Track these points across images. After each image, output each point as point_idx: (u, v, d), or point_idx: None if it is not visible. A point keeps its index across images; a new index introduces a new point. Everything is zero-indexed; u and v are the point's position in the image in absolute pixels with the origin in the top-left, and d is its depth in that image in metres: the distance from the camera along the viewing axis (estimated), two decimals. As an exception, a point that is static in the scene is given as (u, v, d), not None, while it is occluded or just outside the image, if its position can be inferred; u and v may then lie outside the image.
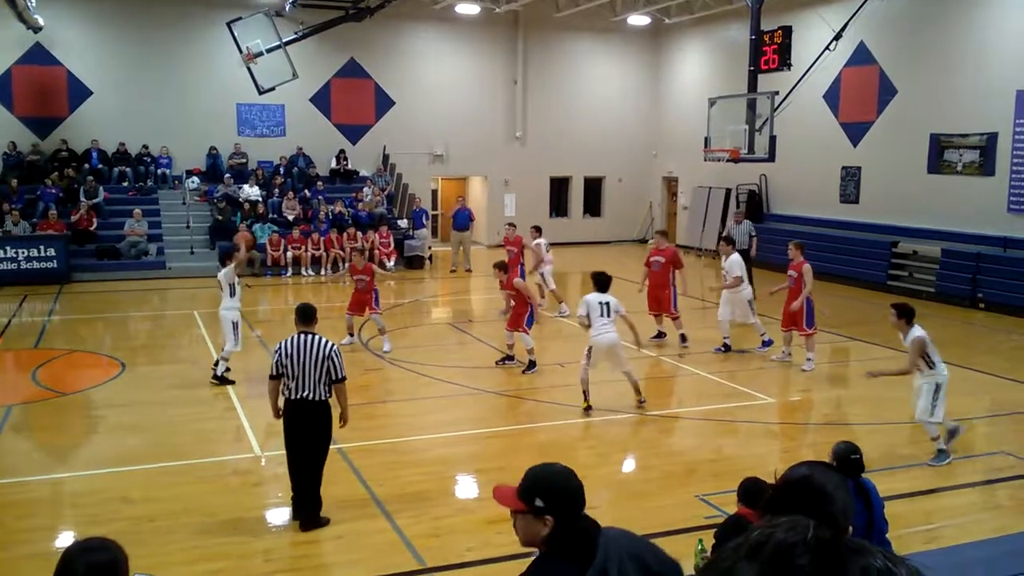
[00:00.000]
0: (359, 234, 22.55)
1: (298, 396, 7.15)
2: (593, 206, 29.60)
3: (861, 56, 21.19)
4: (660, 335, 14.39)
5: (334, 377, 7.19)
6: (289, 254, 21.75)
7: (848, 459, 5.28)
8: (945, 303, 17.96)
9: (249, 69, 21.51)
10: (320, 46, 24.04)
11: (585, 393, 10.43)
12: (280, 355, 7.20)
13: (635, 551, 2.81)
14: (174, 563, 6.61)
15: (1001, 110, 17.87)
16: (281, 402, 7.34)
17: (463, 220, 23.09)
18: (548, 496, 2.74)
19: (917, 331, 8.70)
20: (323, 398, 7.19)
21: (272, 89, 21.76)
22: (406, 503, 7.77)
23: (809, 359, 12.41)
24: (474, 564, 6.69)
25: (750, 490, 5.02)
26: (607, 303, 10.36)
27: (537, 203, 28.16)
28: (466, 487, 8.61)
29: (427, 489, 8.17)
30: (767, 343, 13.59)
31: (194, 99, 23.97)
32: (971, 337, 15.72)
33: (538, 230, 17.38)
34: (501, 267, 13.31)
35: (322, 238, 22.10)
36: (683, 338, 13.98)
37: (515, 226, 17.60)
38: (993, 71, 18.13)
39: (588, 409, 10.37)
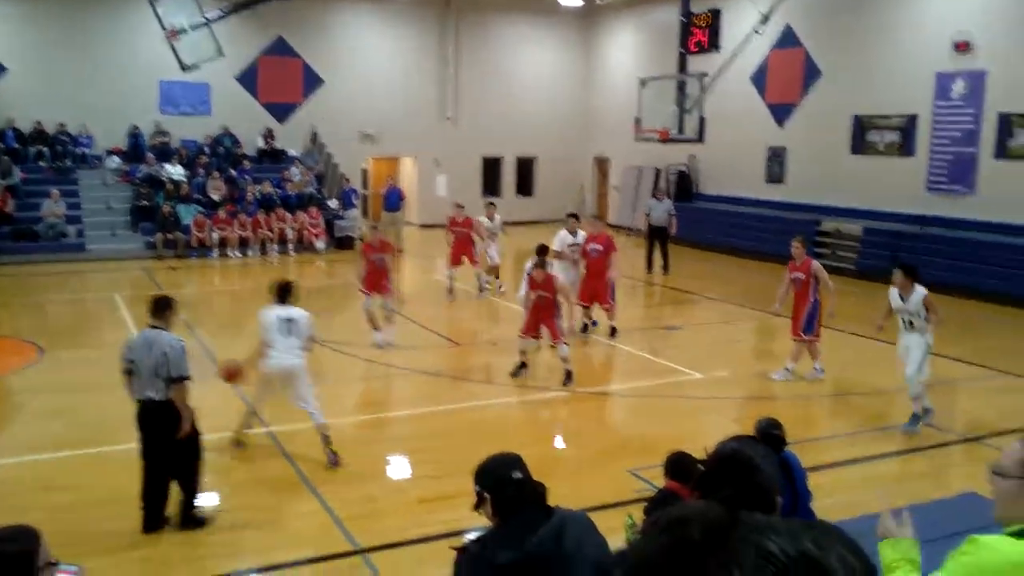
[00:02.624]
0: (287, 215, 22.23)
1: (143, 396, 6.63)
2: (525, 186, 29.63)
3: (787, 39, 21.57)
4: (592, 323, 13.73)
5: (169, 374, 6.53)
6: (215, 235, 21.30)
7: (769, 434, 5.37)
8: (866, 280, 18.47)
9: (172, 46, 20.89)
10: (247, 23, 23.47)
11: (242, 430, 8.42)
12: (127, 349, 6.70)
13: (590, 526, 3.20)
14: (99, 551, 6.44)
15: (921, 92, 18.39)
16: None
17: (394, 200, 22.86)
18: (478, 479, 3.23)
19: (922, 289, 9.09)
20: (165, 398, 6.60)
21: (196, 67, 21.16)
22: (338, 484, 7.71)
23: (816, 368, 11.27)
24: (407, 543, 6.68)
25: (677, 464, 5.08)
26: (289, 319, 8.11)
27: (469, 183, 28.05)
28: (398, 467, 8.57)
29: (359, 470, 8.11)
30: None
31: (114, 76, 23.24)
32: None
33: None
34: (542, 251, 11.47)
35: (250, 219, 21.70)
36: (613, 331, 13.37)
37: (463, 207, 17.04)
38: (914, 54, 18.63)
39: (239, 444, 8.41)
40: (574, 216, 14.02)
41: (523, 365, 11.18)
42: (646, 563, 1.36)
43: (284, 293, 8.17)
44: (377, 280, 12.60)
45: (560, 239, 13.60)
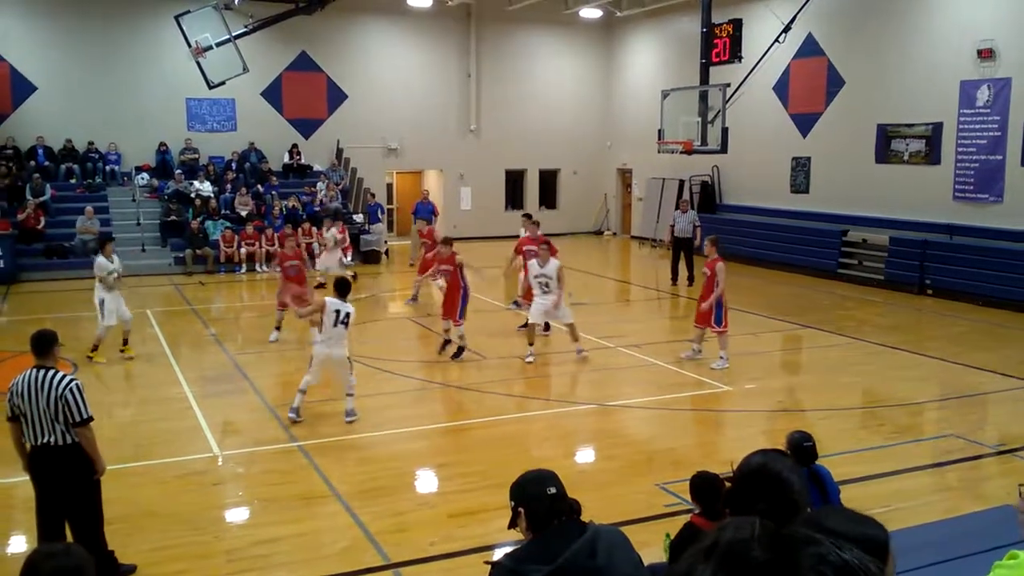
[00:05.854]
0: (314, 229, 22.40)
1: (39, 443, 6.02)
2: (548, 199, 29.69)
3: (809, 48, 21.51)
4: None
5: (72, 419, 5.98)
6: (243, 250, 21.51)
7: (801, 447, 5.35)
8: (894, 290, 18.37)
9: (198, 63, 21.17)
10: (270, 39, 23.76)
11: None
12: (12, 394, 6.06)
13: (624, 541, 3.22)
14: (137, 566, 6.54)
15: (946, 100, 18.27)
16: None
17: (425, 214, 22.97)
18: (513, 495, 3.30)
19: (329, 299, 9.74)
20: (68, 442, 6.03)
21: (222, 83, 21.42)
22: (368, 499, 7.76)
23: (721, 357, 12.09)
24: (438, 558, 6.71)
25: (702, 488, 4.81)
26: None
27: (493, 196, 28.18)
28: (427, 482, 8.61)
29: (389, 484, 8.16)
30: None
31: (142, 94, 23.58)
32: (920, 323, 16.09)
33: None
34: (447, 242, 13.43)
35: (276, 234, 21.88)
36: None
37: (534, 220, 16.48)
38: (937, 62, 18.52)
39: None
40: (527, 216, 15.57)
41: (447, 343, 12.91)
42: None
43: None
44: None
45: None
